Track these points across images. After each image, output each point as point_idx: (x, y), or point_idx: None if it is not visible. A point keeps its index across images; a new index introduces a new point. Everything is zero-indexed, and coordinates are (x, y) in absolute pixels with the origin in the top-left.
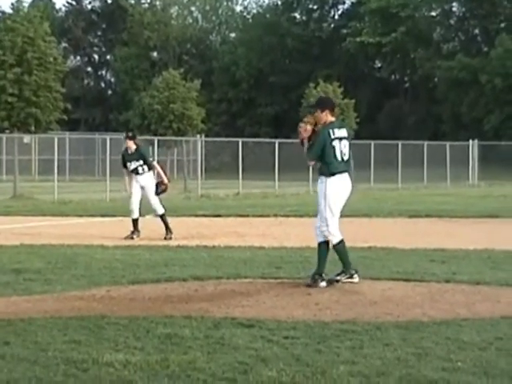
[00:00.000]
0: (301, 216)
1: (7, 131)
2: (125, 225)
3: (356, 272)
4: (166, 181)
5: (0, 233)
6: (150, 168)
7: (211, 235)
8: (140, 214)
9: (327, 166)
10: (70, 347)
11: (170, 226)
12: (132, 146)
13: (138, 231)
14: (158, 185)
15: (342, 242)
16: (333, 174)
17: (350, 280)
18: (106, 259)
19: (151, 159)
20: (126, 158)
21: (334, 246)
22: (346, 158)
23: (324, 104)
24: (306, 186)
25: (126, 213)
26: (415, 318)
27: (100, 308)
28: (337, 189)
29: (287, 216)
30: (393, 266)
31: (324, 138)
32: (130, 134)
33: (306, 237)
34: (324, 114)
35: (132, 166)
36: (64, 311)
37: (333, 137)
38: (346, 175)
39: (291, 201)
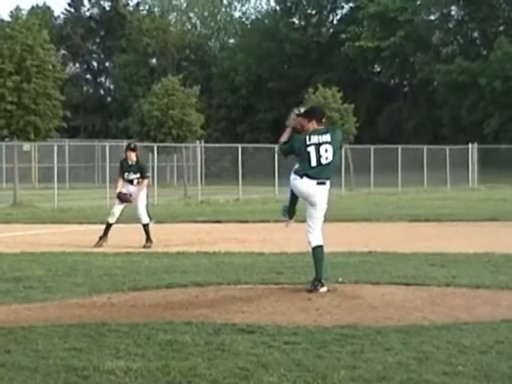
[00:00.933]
0: (301, 221)
1: (7, 139)
2: (124, 232)
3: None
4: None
5: (0, 241)
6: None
7: (211, 241)
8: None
9: (299, 167)
10: (70, 355)
11: (170, 233)
12: (134, 158)
13: (107, 237)
14: (128, 195)
15: None
16: (296, 172)
17: None
18: (106, 266)
19: (149, 174)
20: (125, 168)
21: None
22: (326, 161)
23: (312, 114)
24: None
25: (126, 220)
26: (416, 322)
27: (101, 315)
28: (295, 187)
29: None
30: (393, 271)
31: (299, 144)
32: (133, 146)
33: (307, 242)
34: (310, 124)
35: (130, 177)
36: (65, 319)
37: (308, 143)
38: (314, 182)
39: None
